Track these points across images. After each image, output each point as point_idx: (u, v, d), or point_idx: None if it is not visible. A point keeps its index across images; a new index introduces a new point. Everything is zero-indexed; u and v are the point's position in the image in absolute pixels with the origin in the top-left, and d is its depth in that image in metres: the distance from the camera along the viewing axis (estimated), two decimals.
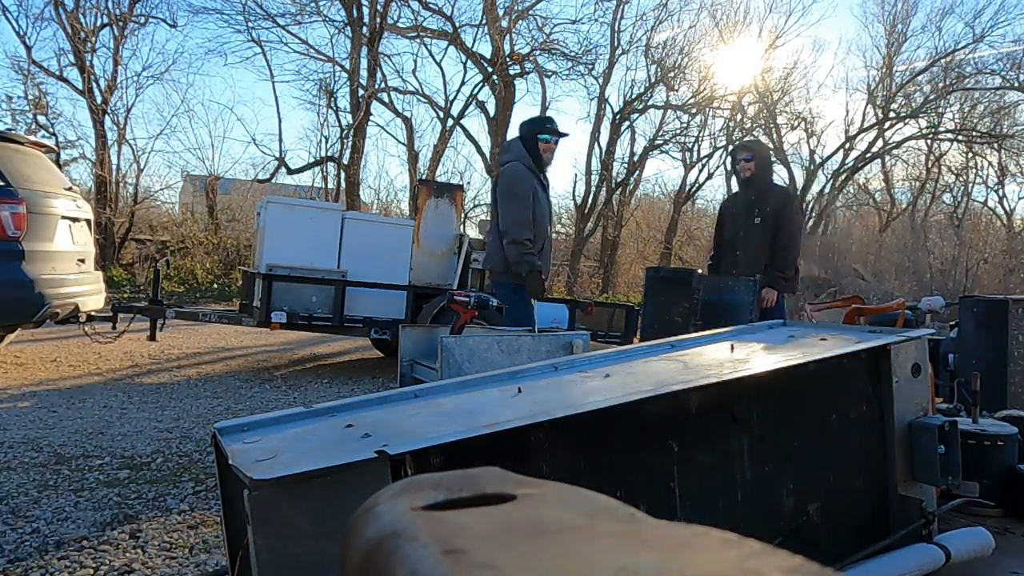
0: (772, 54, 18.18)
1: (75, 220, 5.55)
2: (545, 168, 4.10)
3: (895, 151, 19.49)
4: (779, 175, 17.21)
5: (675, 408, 1.39)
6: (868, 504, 1.64)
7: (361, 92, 15.51)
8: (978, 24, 17.41)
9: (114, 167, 14.75)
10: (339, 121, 16.32)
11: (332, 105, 16.29)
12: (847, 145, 18.62)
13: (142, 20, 15.31)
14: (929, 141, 18.91)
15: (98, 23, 14.78)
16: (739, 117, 18.29)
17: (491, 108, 16.63)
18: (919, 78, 17.99)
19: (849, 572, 1.48)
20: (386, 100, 16.73)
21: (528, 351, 2.53)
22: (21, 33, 14.37)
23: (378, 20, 15.26)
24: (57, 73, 14.52)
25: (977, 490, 1.92)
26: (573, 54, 16.55)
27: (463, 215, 7.75)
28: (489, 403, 1.46)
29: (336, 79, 16.21)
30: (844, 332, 1.91)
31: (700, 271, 4.09)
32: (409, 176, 16.51)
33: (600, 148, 17.17)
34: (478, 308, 3.80)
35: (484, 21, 15.73)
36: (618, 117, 17.22)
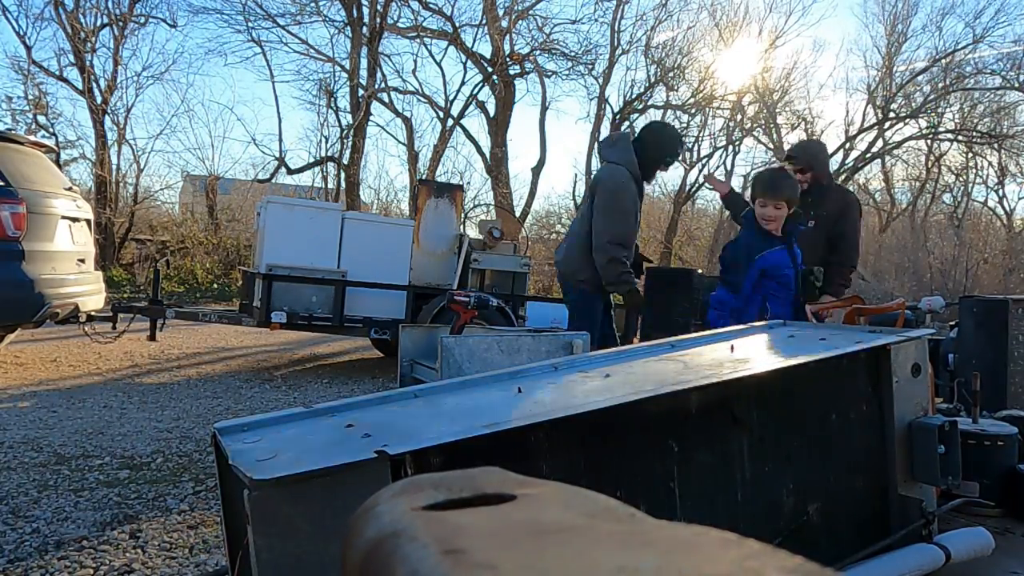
0: (772, 54, 18.22)
1: (75, 220, 5.55)
2: (649, 180, 3.88)
3: (895, 151, 19.52)
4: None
5: (675, 408, 1.39)
6: (868, 504, 1.64)
7: (361, 92, 15.52)
8: (978, 24, 17.41)
9: (114, 167, 14.76)
10: (339, 121, 16.35)
11: (332, 105, 16.32)
12: (847, 145, 18.64)
13: (142, 20, 15.36)
14: (929, 141, 18.92)
15: (98, 23, 14.81)
16: (739, 117, 18.31)
17: (491, 108, 16.65)
18: (919, 78, 18.01)
19: (849, 572, 1.48)
20: (386, 100, 16.75)
21: (528, 351, 2.53)
22: (21, 33, 14.38)
23: (378, 20, 15.27)
24: (57, 73, 14.56)
25: (977, 490, 1.92)
26: (573, 54, 16.58)
27: (463, 215, 7.75)
28: (489, 403, 1.46)
29: (336, 79, 16.24)
30: (844, 332, 1.91)
31: (700, 271, 3.99)
32: (409, 176, 16.52)
33: None
34: (478, 308, 3.80)
35: (484, 21, 15.74)
36: (618, 117, 17.21)
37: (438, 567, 0.30)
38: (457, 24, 16.04)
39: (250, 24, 15.53)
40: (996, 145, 18.03)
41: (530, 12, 16.17)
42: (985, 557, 1.61)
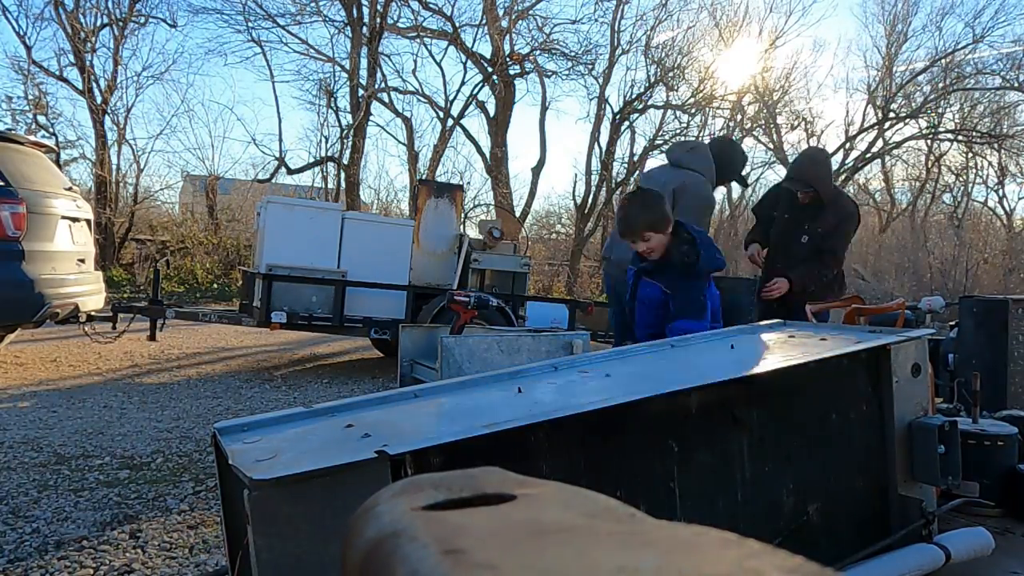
0: (772, 54, 18.22)
1: (75, 220, 5.55)
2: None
3: (895, 151, 19.54)
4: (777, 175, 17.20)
5: (675, 408, 1.39)
6: (868, 504, 1.64)
7: (361, 92, 15.52)
8: (978, 24, 17.41)
9: (114, 167, 14.76)
10: (339, 121, 16.35)
11: (332, 105, 16.31)
12: (847, 145, 18.65)
13: (142, 20, 15.34)
14: (929, 141, 18.92)
15: (98, 23, 14.80)
16: (739, 117, 18.31)
17: (491, 108, 16.65)
18: (919, 78, 18.02)
19: (849, 572, 1.48)
20: (386, 100, 16.76)
21: (528, 351, 2.53)
22: (21, 33, 14.37)
23: (378, 20, 15.27)
24: (57, 73, 14.55)
25: (977, 490, 1.92)
26: (573, 54, 16.58)
27: (463, 215, 7.75)
28: (489, 403, 1.46)
29: (336, 79, 16.24)
30: (844, 332, 1.91)
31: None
32: (409, 176, 16.52)
33: (600, 148, 17.17)
34: (478, 308, 3.79)
35: (484, 21, 15.74)
36: (618, 117, 17.22)
37: (438, 567, 0.30)
38: (457, 24, 16.06)
39: (250, 24, 15.56)
40: (996, 145, 18.04)
41: (530, 12, 16.19)
42: (985, 557, 1.61)
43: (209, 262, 14.07)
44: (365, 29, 15.26)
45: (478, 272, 6.83)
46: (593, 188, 17.22)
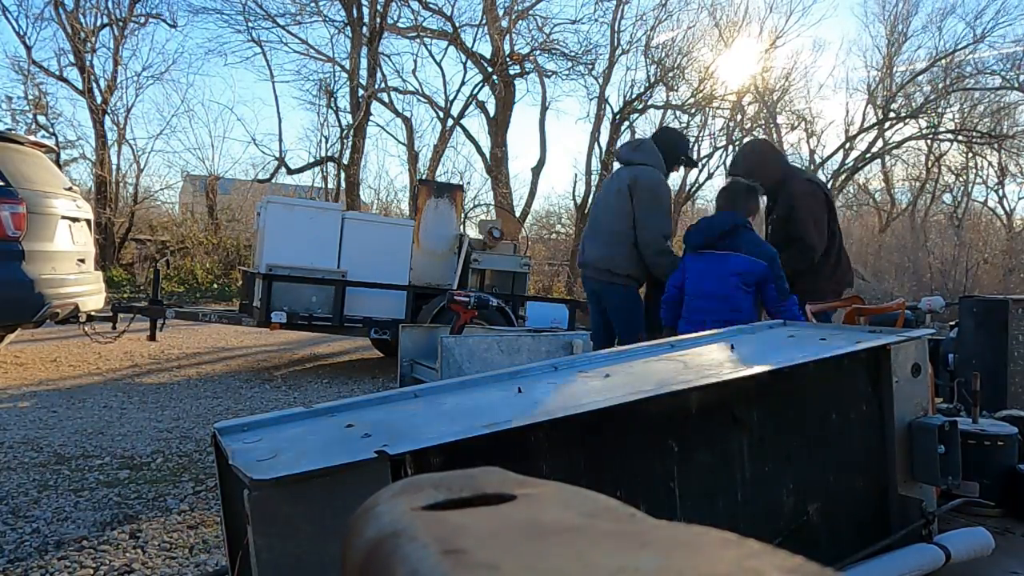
0: (772, 54, 18.22)
1: (75, 220, 5.55)
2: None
3: (895, 151, 19.53)
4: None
5: (675, 408, 1.39)
6: (868, 504, 1.64)
7: (361, 92, 15.52)
8: (979, 24, 17.48)
9: (114, 167, 14.76)
10: (339, 121, 16.35)
11: (332, 105, 16.32)
12: (847, 145, 18.65)
13: (142, 20, 15.35)
14: (929, 141, 18.92)
15: (98, 23, 14.81)
16: (739, 117, 18.31)
17: (491, 108, 16.65)
18: (919, 78, 18.02)
19: (849, 572, 1.48)
20: (386, 100, 16.76)
21: (528, 351, 2.53)
22: (21, 33, 14.39)
23: (378, 20, 15.27)
24: (57, 73, 14.55)
25: (977, 490, 1.92)
26: (573, 54, 16.57)
27: (463, 215, 7.75)
28: (489, 403, 1.46)
29: (336, 79, 16.24)
30: (844, 332, 1.91)
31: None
32: (409, 176, 16.52)
33: (600, 148, 17.16)
34: (478, 308, 3.80)
35: (484, 21, 15.74)
36: (618, 117, 17.21)
37: (438, 567, 0.30)
38: (457, 24, 16.06)
39: (250, 24, 15.56)
40: (996, 145, 18.04)
41: (530, 12, 16.18)
42: (985, 557, 1.61)
43: (209, 262, 14.08)
44: (365, 29, 15.26)
45: (478, 272, 6.83)
46: (593, 188, 17.20)
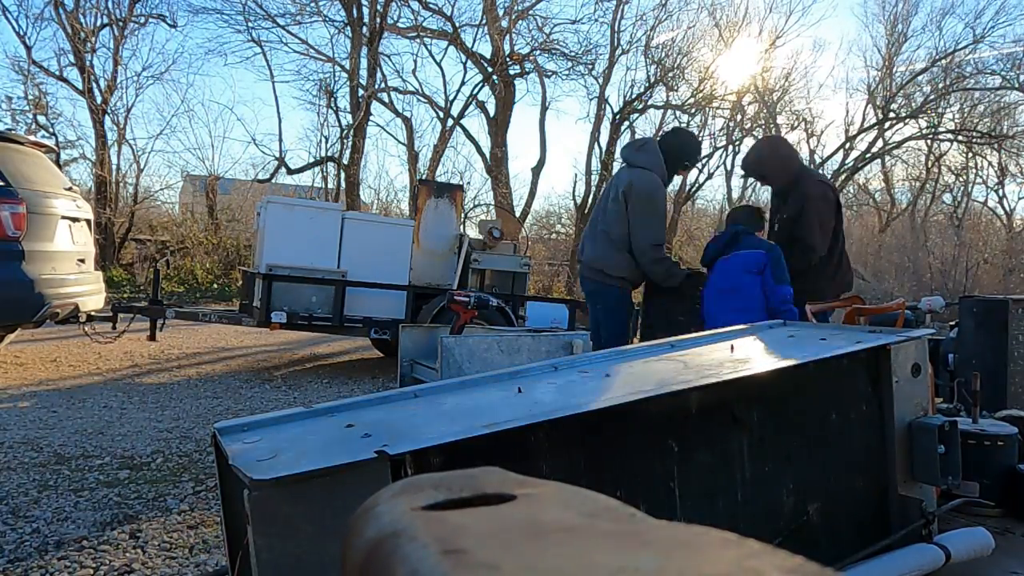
0: (772, 54, 18.23)
1: (75, 220, 5.55)
2: (667, 183, 4.01)
3: (895, 151, 19.54)
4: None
5: (675, 408, 1.39)
6: (868, 504, 1.64)
7: (361, 92, 15.52)
8: (978, 24, 17.50)
9: (114, 167, 14.76)
10: (339, 121, 16.35)
11: (332, 105, 16.31)
12: (847, 145, 18.66)
13: (142, 20, 15.35)
14: (929, 141, 18.93)
15: (98, 23, 14.80)
16: (739, 117, 18.31)
17: (491, 108, 16.65)
18: (919, 78, 18.03)
19: (849, 572, 1.48)
20: (386, 100, 16.76)
21: (528, 351, 2.53)
22: (21, 33, 14.39)
23: (378, 20, 15.27)
24: (57, 73, 14.55)
25: (977, 490, 1.92)
26: (573, 54, 16.58)
27: (463, 215, 7.75)
28: (489, 403, 1.46)
29: (336, 79, 16.24)
30: (844, 332, 1.91)
31: (704, 270, 3.93)
32: (409, 176, 16.52)
33: (600, 148, 17.16)
34: (478, 308, 3.80)
35: (484, 21, 15.74)
36: (618, 117, 17.22)
37: (438, 567, 0.30)
38: (457, 24, 16.06)
39: (250, 24, 15.56)
40: (996, 145, 18.04)
41: (530, 12, 16.19)
42: (985, 557, 1.61)
43: (209, 262, 14.08)
44: (365, 29, 15.26)
45: (478, 272, 6.83)
46: (593, 188, 17.21)
